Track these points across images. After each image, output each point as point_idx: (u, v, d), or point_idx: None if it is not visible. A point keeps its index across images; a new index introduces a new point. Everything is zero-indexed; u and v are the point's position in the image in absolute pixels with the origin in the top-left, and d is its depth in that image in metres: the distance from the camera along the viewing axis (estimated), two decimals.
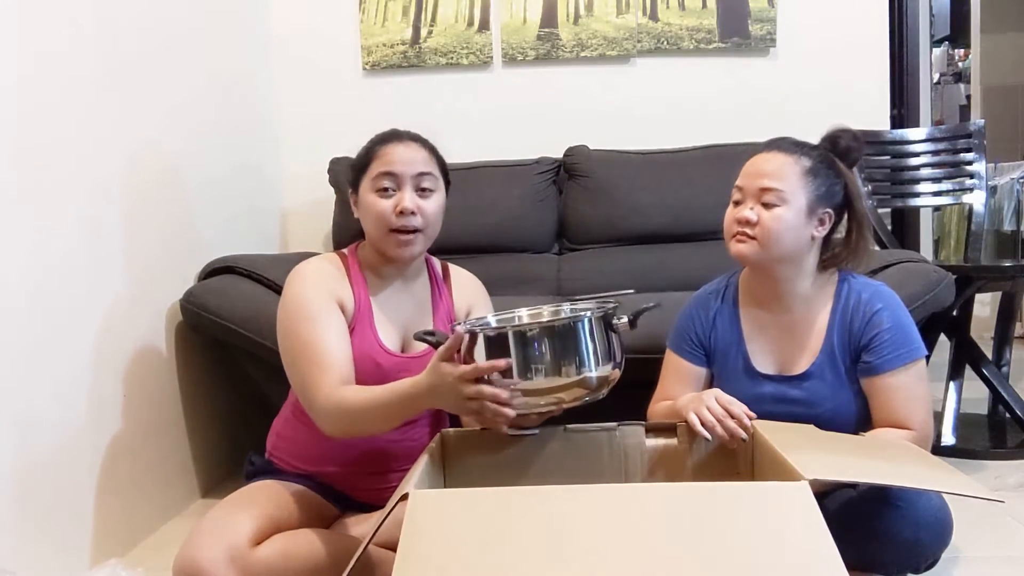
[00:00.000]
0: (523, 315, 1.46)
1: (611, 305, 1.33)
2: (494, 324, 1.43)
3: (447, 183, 1.54)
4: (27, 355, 1.51)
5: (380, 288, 1.52)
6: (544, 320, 1.36)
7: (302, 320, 1.39)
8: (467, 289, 1.62)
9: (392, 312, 1.51)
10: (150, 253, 1.95)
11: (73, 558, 1.61)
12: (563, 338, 1.25)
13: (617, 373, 1.32)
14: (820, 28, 2.85)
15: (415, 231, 1.44)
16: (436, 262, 1.63)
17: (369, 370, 1.43)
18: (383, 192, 1.44)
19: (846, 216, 1.52)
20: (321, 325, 1.39)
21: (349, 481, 1.53)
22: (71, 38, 1.68)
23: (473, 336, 1.26)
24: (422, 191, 1.46)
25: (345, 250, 1.56)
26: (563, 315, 1.43)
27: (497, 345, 1.24)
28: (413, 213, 1.43)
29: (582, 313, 1.30)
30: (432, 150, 1.51)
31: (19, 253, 1.50)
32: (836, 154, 1.50)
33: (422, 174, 1.45)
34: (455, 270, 1.65)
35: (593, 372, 1.26)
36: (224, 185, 2.39)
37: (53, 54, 1.62)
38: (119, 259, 1.82)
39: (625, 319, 1.32)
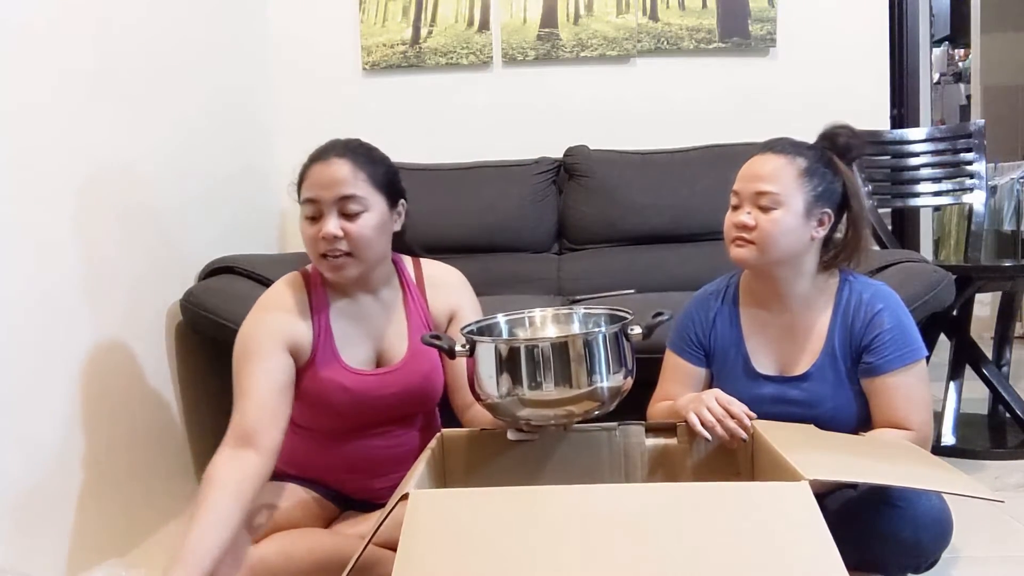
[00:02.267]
0: (535, 316, 1.46)
1: (628, 318, 1.32)
2: (505, 330, 1.43)
3: (394, 193, 1.45)
4: (28, 355, 1.51)
5: (345, 305, 1.47)
6: (559, 336, 1.33)
7: (243, 360, 1.38)
8: (446, 289, 1.56)
9: (361, 329, 1.48)
10: (150, 253, 1.95)
11: (73, 558, 1.61)
12: (578, 353, 1.23)
13: (629, 382, 1.32)
14: (820, 28, 2.86)
15: (343, 255, 1.37)
16: (407, 263, 1.57)
17: (337, 395, 1.42)
18: (309, 219, 1.39)
19: (845, 215, 1.52)
20: (256, 371, 1.36)
21: (343, 483, 1.53)
22: (72, 40, 1.68)
23: (486, 347, 1.26)
24: (347, 215, 1.37)
25: (310, 267, 1.49)
26: (574, 319, 1.42)
27: (509, 359, 1.24)
28: (337, 238, 1.36)
29: (598, 330, 1.29)
30: (366, 163, 1.40)
31: (22, 255, 1.50)
32: (835, 151, 1.50)
33: (344, 197, 1.36)
34: (429, 269, 1.58)
35: (605, 384, 1.26)
36: (224, 185, 2.39)
37: (54, 58, 1.62)
38: (120, 259, 1.82)
39: (639, 330, 1.31)
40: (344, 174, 1.37)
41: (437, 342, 1.30)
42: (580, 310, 1.45)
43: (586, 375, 1.24)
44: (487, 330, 1.41)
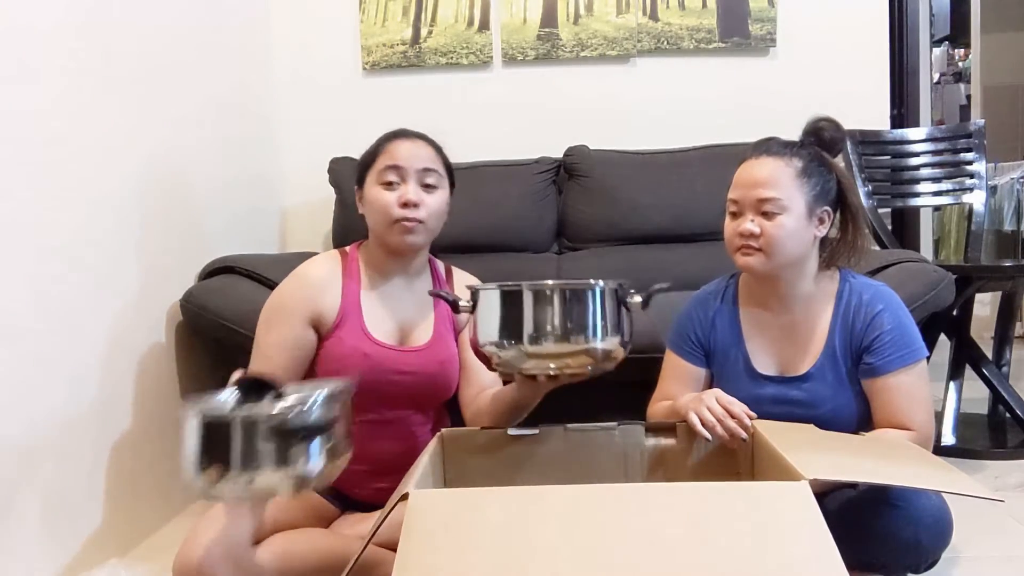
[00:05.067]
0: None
1: (626, 282, 1.34)
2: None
3: (452, 184, 1.57)
4: (29, 356, 1.51)
5: (379, 284, 1.55)
6: (559, 282, 1.35)
7: (265, 323, 1.50)
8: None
9: (391, 307, 1.54)
10: (150, 254, 1.95)
11: (73, 558, 1.61)
12: (574, 303, 1.28)
13: (624, 350, 1.33)
14: (820, 28, 2.85)
15: (418, 222, 1.48)
16: (439, 264, 1.66)
17: (357, 360, 1.48)
18: (388, 185, 1.49)
19: (840, 211, 1.52)
20: (275, 337, 1.48)
21: (349, 480, 1.53)
22: (75, 46, 1.68)
23: (490, 293, 1.30)
24: (426, 186, 1.50)
25: (348, 248, 1.59)
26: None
27: (511, 302, 1.28)
28: (416, 205, 1.47)
29: (596, 282, 1.31)
30: (438, 149, 1.55)
31: (25, 256, 1.50)
32: (822, 146, 1.49)
33: (427, 169, 1.50)
34: (458, 273, 1.68)
35: (599, 342, 1.29)
36: (224, 185, 2.39)
37: (57, 64, 1.62)
38: (120, 260, 1.82)
39: (638, 298, 1.34)
40: (428, 151, 1.53)
41: (444, 294, 1.37)
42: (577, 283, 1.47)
43: (581, 324, 1.28)
44: None
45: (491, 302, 1.31)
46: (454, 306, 1.35)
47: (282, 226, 2.90)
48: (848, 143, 2.62)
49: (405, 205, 1.47)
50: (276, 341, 1.47)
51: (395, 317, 1.55)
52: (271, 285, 2.06)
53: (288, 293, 1.51)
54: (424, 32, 2.88)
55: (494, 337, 1.30)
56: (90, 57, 1.74)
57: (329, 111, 2.90)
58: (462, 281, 1.66)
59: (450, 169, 1.56)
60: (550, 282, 1.32)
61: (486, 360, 1.34)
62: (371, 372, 1.47)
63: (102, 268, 1.76)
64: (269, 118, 2.84)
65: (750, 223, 1.43)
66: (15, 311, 1.48)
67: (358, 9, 2.89)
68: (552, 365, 1.29)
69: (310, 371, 1.52)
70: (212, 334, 1.99)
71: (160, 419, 1.97)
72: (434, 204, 1.50)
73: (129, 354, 1.85)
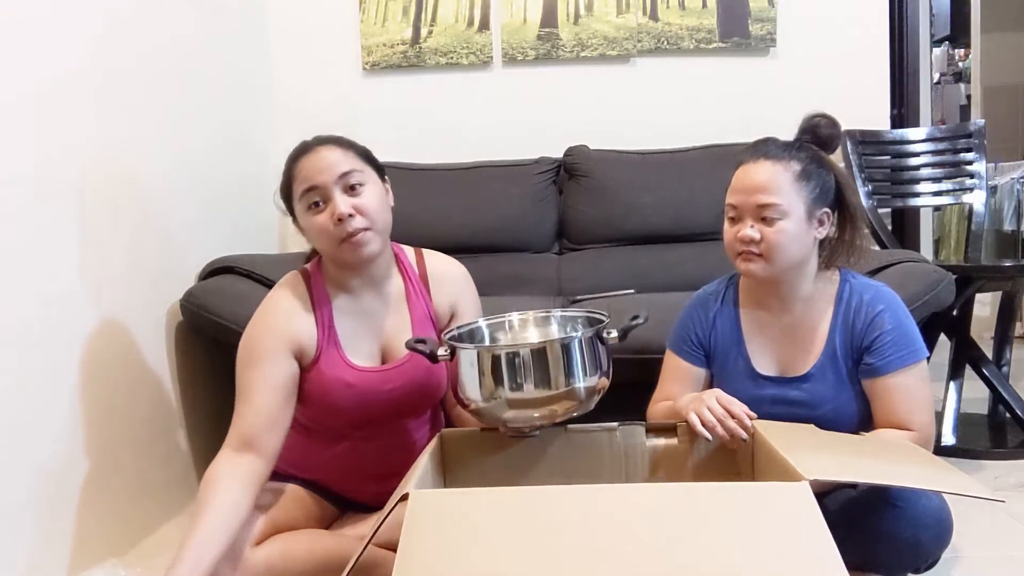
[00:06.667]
0: (514, 320, 1.47)
1: (604, 322, 1.34)
2: (486, 335, 1.45)
3: (380, 171, 1.48)
4: (28, 355, 1.51)
5: (348, 302, 1.48)
6: (537, 343, 1.35)
7: (246, 362, 1.40)
8: (449, 284, 1.57)
9: (364, 325, 1.48)
10: (150, 253, 1.95)
11: (72, 558, 1.61)
12: (554, 357, 1.26)
13: (605, 383, 1.34)
14: (820, 28, 2.86)
15: (363, 230, 1.38)
16: (409, 254, 1.57)
17: (342, 392, 1.43)
18: (315, 208, 1.39)
19: (838, 211, 1.51)
20: (258, 375, 1.37)
21: (349, 485, 1.53)
22: (75, 53, 1.68)
23: (467, 353, 1.28)
24: (351, 189, 1.39)
25: (309, 266, 1.52)
26: (552, 322, 1.44)
27: (490, 363, 1.26)
28: (352, 215, 1.37)
29: (572, 335, 1.31)
30: (349, 146, 1.44)
31: (25, 254, 1.50)
32: (818, 143, 1.48)
33: (344, 174, 1.38)
34: (432, 262, 1.58)
35: (582, 385, 1.28)
36: (224, 185, 2.39)
37: (58, 68, 1.62)
38: (120, 259, 1.82)
39: (615, 333, 1.33)
40: (337, 155, 1.40)
41: (420, 347, 1.31)
42: (558, 313, 1.47)
43: (564, 377, 1.26)
44: (468, 336, 1.42)
45: (469, 360, 1.28)
46: (431, 357, 1.30)
47: (282, 226, 2.90)
48: (848, 143, 2.62)
49: (340, 220, 1.36)
50: (260, 380, 1.37)
51: (373, 335, 1.48)
52: (270, 285, 2.06)
53: (264, 328, 1.41)
54: (424, 32, 2.88)
55: (476, 395, 1.28)
56: (90, 58, 1.74)
57: (329, 111, 2.90)
58: (439, 274, 1.57)
59: (370, 157, 1.46)
60: (523, 324, 1.36)
61: (465, 407, 1.33)
62: (358, 398, 1.44)
63: (102, 268, 1.75)
64: (269, 118, 2.84)
65: (750, 229, 1.42)
66: (14, 311, 1.48)
67: (358, 9, 2.89)
68: (536, 414, 1.28)
69: (297, 404, 1.44)
70: (212, 334, 1.99)
71: (160, 419, 1.97)
72: (368, 202, 1.39)
73: (129, 354, 1.85)
